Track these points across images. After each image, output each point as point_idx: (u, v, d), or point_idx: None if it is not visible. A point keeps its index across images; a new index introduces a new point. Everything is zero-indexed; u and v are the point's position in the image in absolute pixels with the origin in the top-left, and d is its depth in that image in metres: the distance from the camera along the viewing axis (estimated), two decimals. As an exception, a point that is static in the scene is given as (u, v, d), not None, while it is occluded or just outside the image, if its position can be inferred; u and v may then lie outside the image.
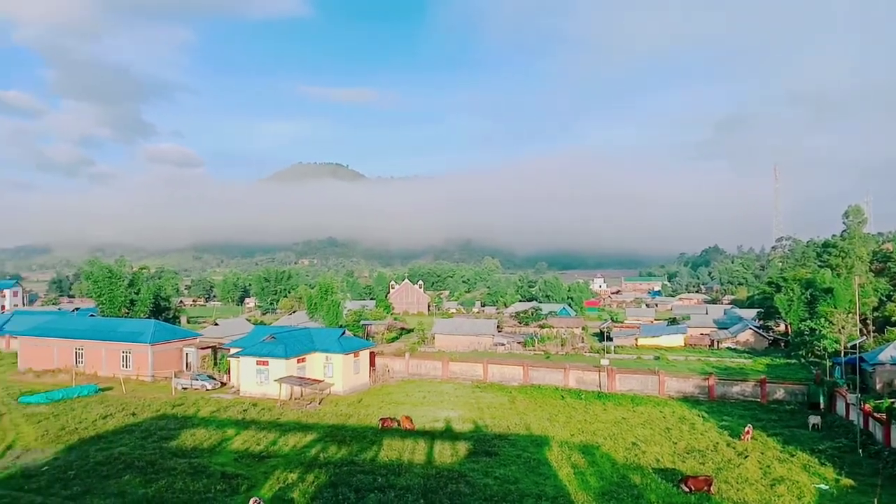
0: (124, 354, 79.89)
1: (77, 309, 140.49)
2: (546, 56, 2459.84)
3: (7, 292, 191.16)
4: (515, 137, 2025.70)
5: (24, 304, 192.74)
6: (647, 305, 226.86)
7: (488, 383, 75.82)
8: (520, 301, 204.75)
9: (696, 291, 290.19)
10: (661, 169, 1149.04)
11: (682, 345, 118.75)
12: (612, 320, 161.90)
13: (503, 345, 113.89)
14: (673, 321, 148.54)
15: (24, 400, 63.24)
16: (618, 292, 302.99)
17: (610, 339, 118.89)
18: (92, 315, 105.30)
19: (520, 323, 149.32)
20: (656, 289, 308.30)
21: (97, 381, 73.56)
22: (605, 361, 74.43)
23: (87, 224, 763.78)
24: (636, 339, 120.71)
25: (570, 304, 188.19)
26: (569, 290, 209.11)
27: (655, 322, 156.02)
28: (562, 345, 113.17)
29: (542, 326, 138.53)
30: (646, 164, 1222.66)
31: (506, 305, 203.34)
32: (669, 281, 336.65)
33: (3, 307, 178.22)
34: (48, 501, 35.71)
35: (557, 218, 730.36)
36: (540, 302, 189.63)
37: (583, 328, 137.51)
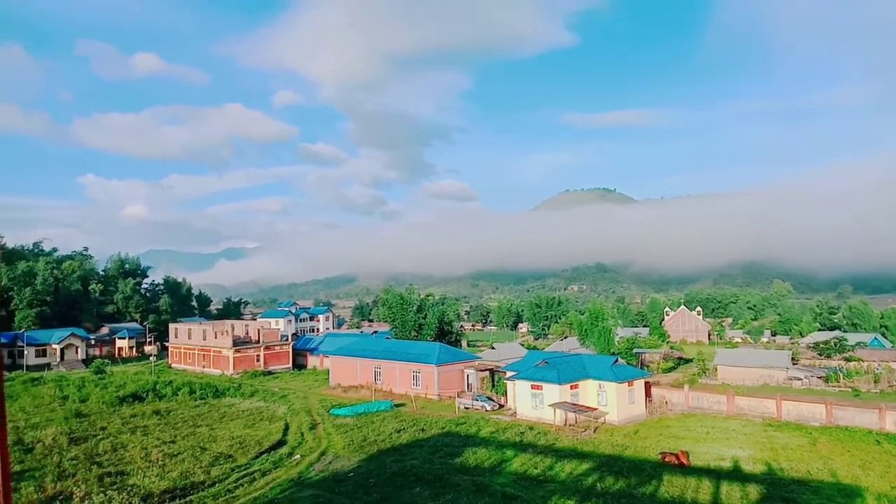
0: (414, 374, 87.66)
1: (376, 332, 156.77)
2: (848, 51, 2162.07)
3: (321, 317, 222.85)
4: (808, 147, 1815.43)
5: (333, 328, 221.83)
6: None
7: (782, 421, 68.02)
8: (819, 330, 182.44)
9: None
10: None
11: None
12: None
13: (800, 379, 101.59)
14: None
15: (334, 412, 72.74)
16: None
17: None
18: (387, 338, 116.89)
19: (820, 355, 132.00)
20: None
21: (391, 398, 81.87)
22: (935, 404, 62.34)
23: (383, 256, 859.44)
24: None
25: (883, 334, 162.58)
26: (881, 318, 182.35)
27: None
28: (875, 381, 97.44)
29: (847, 359, 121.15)
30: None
31: (801, 335, 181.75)
32: None
33: (318, 330, 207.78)
34: (354, 504, 40.44)
35: (864, 233, 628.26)
36: (844, 331, 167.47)
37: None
